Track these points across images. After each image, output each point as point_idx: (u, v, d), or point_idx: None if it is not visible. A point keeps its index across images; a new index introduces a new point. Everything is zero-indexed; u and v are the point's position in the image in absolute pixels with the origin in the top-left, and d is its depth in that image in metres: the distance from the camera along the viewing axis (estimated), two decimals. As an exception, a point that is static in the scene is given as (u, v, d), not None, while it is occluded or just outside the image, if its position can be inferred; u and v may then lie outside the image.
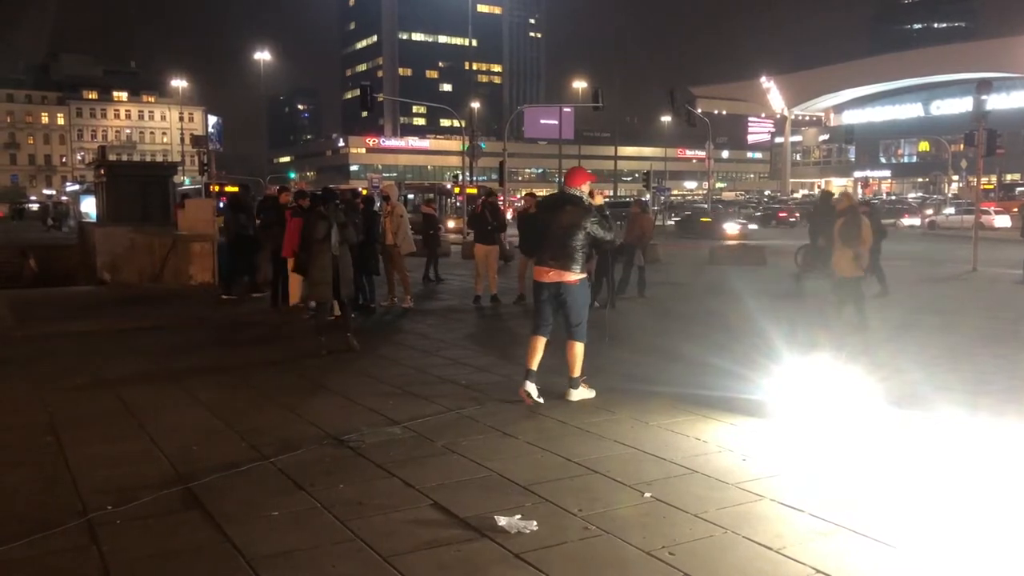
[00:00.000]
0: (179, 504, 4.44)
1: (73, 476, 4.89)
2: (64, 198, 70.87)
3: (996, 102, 42.92)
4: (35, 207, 63.71)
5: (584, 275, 6.72)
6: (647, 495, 4.53)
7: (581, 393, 6.71)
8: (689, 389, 6.85)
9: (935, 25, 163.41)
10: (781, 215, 48.89)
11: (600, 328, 10.54)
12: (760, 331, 8.76)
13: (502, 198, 31.16)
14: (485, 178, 65.52)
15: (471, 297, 13.34)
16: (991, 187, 62.59)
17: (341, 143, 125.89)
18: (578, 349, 6.70)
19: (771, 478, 4.80)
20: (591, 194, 6.73)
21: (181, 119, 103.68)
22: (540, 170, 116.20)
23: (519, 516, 4.12)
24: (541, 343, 6.67)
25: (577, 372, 6.74)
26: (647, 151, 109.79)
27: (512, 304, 12.86)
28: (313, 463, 5.10)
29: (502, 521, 4.05)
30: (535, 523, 4.06)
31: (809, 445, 5.43)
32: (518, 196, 51.00)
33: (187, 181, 19.55)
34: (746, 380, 6.71)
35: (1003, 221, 40.53)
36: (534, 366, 6.62)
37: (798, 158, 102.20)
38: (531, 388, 6.54)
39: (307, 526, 4.12)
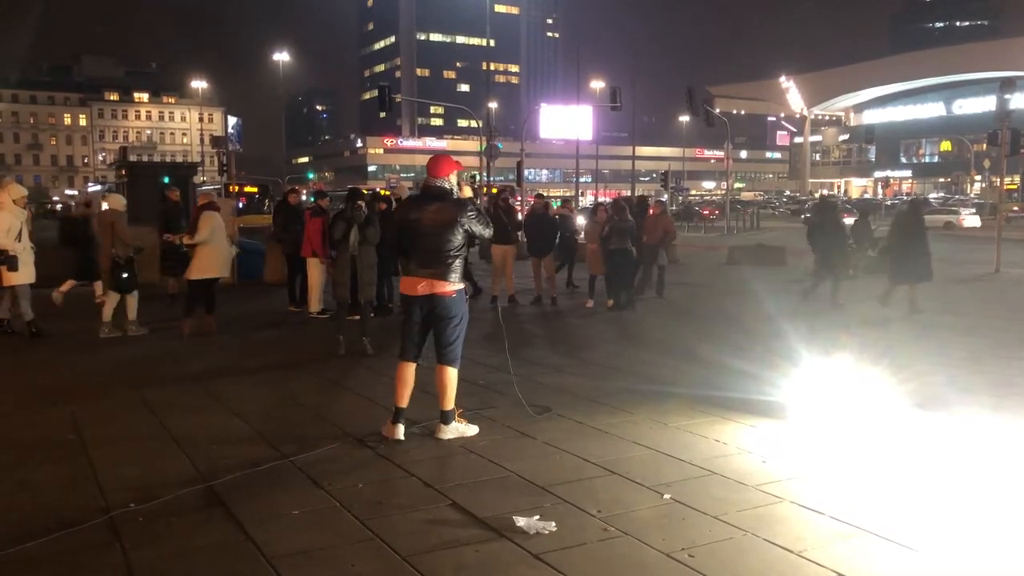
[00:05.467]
0: (201, 502, 4.48)
1: (96, 474, 4.94)
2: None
3: (1020, 101, 42.29)
4: (57, 207, 64.45)
5: (462, 285, 5.62)
6: (666, 496, 4.51)
7: (455, 429, 5.61)
8: (708, 390, 6.81)
9: (957, 23, 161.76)
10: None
11: (617, 326, 10.52)
12: (779, 332, 8.71)
13: (518, 198, 31.04)
14: (502, 178, 65.60)
15: (488, 298, 13.34)
16: (1015, 187, 61.87)
17: (359, 143, 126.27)
18: (450, 375, 5.59)
19: (791, 480, 4.77)
20: (459, 185, 5.71)
21: (201, 120, 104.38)
22: (553, 172, 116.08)
23: (538, 517, 4.12)
24: (411, 372, 5.66)
25: (450, 404, 5.63)
26: (665, 151, 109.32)
27: (529, 305, 12.88)
28: (332, 462, 5.13)
29: (521, 522, 4.05)
30: (554, 524, 4.05)
31: (829, 447, 5.39)
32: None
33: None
34: (765, 381, 6.68)
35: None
36: (404, 403, 5.61)
37: (817, 158, 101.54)
38: (399, 430, 5.56)
39: (327, 525, 4.14)
